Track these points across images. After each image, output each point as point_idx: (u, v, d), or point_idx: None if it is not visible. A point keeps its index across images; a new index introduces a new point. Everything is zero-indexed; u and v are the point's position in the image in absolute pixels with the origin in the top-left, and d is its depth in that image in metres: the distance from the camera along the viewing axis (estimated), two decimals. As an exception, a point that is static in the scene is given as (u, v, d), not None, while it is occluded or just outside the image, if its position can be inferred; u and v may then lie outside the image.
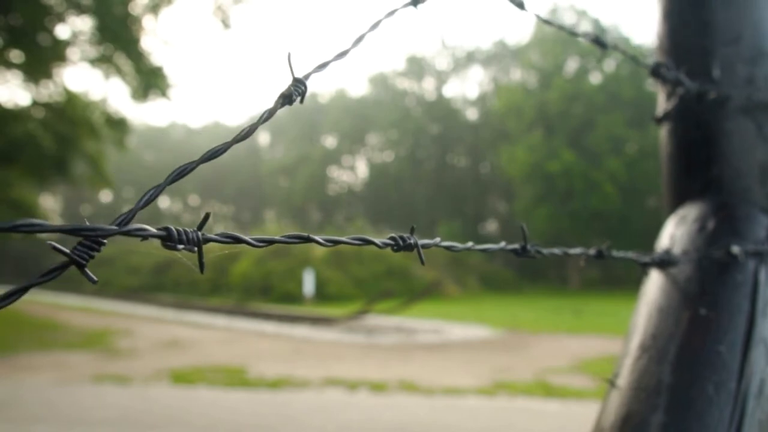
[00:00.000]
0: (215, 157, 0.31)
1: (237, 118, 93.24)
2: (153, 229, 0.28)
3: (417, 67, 51.45)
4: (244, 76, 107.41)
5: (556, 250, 0.55)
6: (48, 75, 15.00)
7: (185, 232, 0.29)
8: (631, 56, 0.73)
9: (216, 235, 0.31)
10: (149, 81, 15.01)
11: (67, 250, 0.28)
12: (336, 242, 0.37)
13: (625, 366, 0.69)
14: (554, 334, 14.20)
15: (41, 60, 14.08)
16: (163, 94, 15.52)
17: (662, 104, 0.88)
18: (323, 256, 27.56)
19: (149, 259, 35.60)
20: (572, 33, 0.67)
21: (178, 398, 7.42)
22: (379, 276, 28.27)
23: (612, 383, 0.70)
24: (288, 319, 17.30)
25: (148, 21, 14.79)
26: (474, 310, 21.08)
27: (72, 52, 15.00)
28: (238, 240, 0.31)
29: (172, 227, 0.28)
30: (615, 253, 0.61)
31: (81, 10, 13.82)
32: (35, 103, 15.53)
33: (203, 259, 0.30)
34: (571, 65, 39.90)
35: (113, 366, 9.51)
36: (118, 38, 13.80)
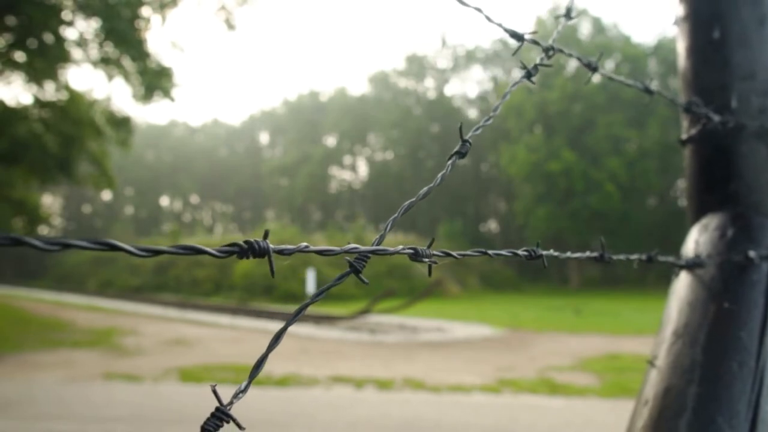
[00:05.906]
0: (425, 197, 0.44)
1: (236, 117, 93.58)
2: (404, 248, 0.40)
3: (417, 66, 51.55)
4: (244, 74, 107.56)
5: (622, 257, 0.69)
6: (52, 75, 15.05)
7: (424, 250, 0.42)
8: (670, 98, 0.87)
9: (436, 251, 0.44)
10: (153, 82, 15.06)
11: (352, 260, 0.41)
12: (498, 254, 0.50)
13: (662, 349, 0.85)
14: (555, 333, 14.34)
15: (46, 61, 14.14)
16: (167, 94, 15.59)
17: (686, 129, 1.03)
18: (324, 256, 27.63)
19: (150, 259, 35.60)
20: (626, 84, 0.81)
21: (188, 395, 7.54)
22: (381, 275, 28.42)
23: (652, 364, 0.85)
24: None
25: (155, 23, 14.86)
26: (475, 309, 21.23)
27: (76, 53, 15.06)
28: (447, 254, 0.44)
29: (417, 246, 0.41)
30: (660, 257, 0.77)
31: (88, 12, 13.87)
32: (39, 103, 15.56)
33: (432, 267, 0.42)
34: (572, 65, 40.00)
35: (121, 364, 9.62)
36: (124, 40, 13.85)
